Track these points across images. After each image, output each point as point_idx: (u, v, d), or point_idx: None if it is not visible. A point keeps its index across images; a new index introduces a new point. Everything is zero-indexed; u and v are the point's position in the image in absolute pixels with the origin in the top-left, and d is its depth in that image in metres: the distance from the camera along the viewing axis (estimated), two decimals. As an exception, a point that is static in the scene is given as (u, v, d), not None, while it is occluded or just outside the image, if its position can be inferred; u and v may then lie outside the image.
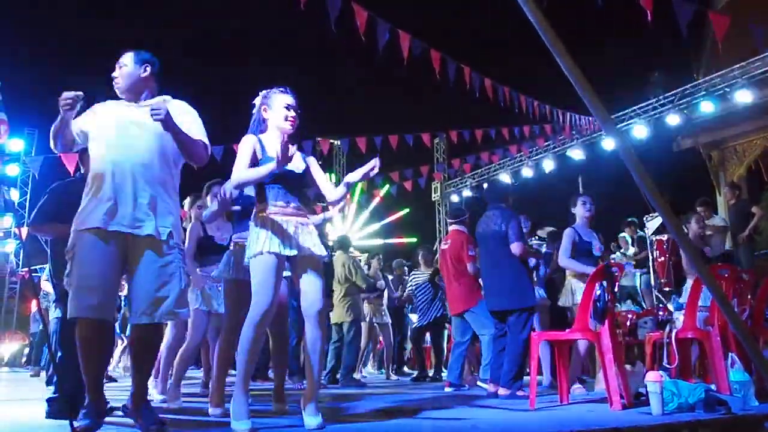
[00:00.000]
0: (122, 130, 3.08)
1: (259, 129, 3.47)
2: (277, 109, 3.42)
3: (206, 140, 3.27)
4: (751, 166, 14.29)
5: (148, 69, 3.25)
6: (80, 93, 3.03)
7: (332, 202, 3.57)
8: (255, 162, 3.33)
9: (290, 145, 3.44)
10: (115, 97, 3.27)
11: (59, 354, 3.88)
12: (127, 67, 3.23)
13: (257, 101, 3.52)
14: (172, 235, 3.08)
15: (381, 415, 3.87)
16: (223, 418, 3.74)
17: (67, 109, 3.00)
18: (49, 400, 3.74)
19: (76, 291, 2.89)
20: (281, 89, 3.48)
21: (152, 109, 2.98)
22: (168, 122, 3.01)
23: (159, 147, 3.11)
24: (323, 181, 3.55)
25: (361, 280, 7.62)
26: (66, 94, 2.99)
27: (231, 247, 4.41)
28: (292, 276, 3.42)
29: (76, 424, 2.78)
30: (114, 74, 3.24)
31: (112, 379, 6.44)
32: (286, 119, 3.41)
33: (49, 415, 3.65)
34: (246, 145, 3.33)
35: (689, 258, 2.73)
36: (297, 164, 3.39)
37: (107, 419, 3.06)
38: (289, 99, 3.44)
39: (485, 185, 16.47)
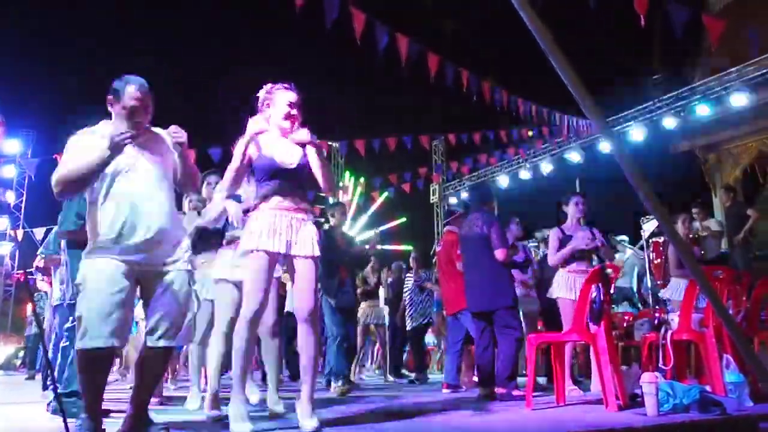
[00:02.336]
0: (127, 174, 3.00)
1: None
2: (279, 106, 3.40)
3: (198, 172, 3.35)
4: (746, 168, 14.33)
5: None
6: (131, 133, 2.92)
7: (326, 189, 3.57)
8: (251, 161, 3.35)
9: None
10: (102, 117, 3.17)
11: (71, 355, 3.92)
12: (150, 107, 3.11)
13: (261, 94, 3.49)
14: (190, 262, 3.12)
15: (377, 416, 3.88)
16: (220, 421, 3.75)
17: (122, 149, 2.89)
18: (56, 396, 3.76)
19: (91, 321, 2.81)
20: (285, 86, 3.45)
21: (175, 132, 3.04)
22: (185, 147, 3.09)
23: (164, 177, 3.09)
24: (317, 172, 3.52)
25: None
26: (122, 137, 2.86)
27: (224, 244, 4.38)
28: (290, 274, 3.42)
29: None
30: (136, 119, 3.04)
31: None
32: (286, 118, 3.39)
33: (56, 411, 3.68)
34: (238, 148, 3.32)
35: (684, 260, 2.75)
36: (292, 158, 3.35)
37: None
38: (291, 96, 3.42)
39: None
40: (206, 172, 4.99)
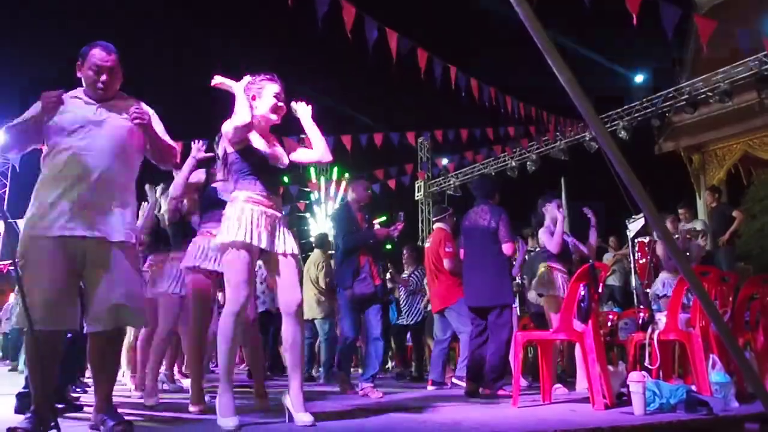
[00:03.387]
0: (87, 133, 2.93)
1: None
2: (265, 98, 3.37)
3: (175, 144, 3.26)
4: (730, 169, 14.49)
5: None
6: (62, 91, 2.91)
7: (323, 159, 3.60)
8: (233, 152, 3.31)
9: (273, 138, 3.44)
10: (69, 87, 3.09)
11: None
12: (116, 70, 3.05)
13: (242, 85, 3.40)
14: (135, 239, 3.04)
15: (364, 412, 3.86)
16: (205, 415, 3.72)
17: (51, 107, 2.86)
18: (19, 395, 3.68)
19: (32, 302, 2.69)
20: (269, 77, 3.42)
21: (136, 113, 2.94)
22: (149, 128, 3.01)
23: (122, 150, 3.00)
24: (304, 153, 3.58)
25: (322, 279, 7.63)
26: (50, 94, 2.85)
27: (198, 236, 4.32)
28: (268, 272, 3.40)
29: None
30: (102, 78, 3.00)
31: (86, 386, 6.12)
32: (273, 110, 3.38)
33: (19, 410, 3.60)
34: (243, 102, 3.25)
35: (674, 258, 2.76)
36: (281, 159, 3.38)
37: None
38: (277, 88, 3.40)
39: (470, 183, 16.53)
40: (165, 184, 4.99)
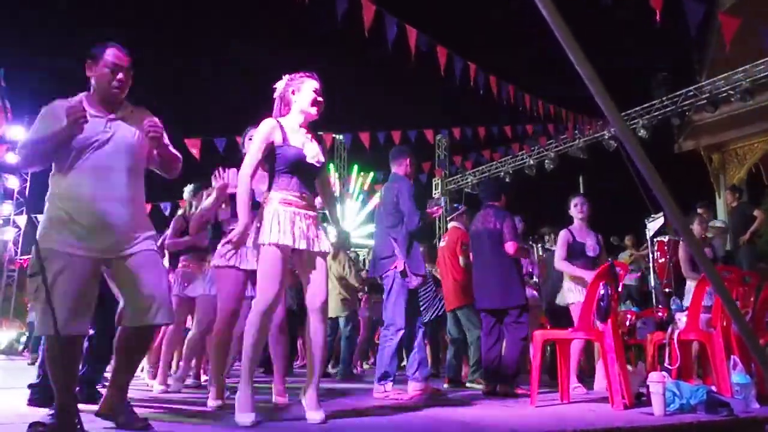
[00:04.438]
0: (99, 150, 2.89)
1: (280, 113, 3.49)
2: (305, 92, 3.44)
3: (179, 155, 3.26)
4: (751, 169, 14.33)
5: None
6: (81, 103, 2.85)
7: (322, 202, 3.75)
8: (272, 149, 3.33)
9: (310, 135, 3.48)
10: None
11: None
12: (130, 72, 3.03)
13: (280, 85, 3.52)
14: (155, 242, 3.06)
15: (381, 409, 3.87)
16: (224, 410, 3.74)
17: (83, 122, 2.78)
18: (31, 386, 3.69)
19: (57, 311, 2.62)
20: (308, 74, 3.50)
21: (150, 127, 2.92)
22: (161, 140, 3.00)
23: (133, 164, 2.99)
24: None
25: (354, 278, 7.62)
26: (76, 109, 2.76)
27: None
28: (297, 268, 3.42)
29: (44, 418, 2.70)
30: (119, 77, 2.97)
31: None
32: (313, 104, 3.43)
33: (32, 402, 3.61)
34: (260, 133, 3.32)
35: (696, 258, 2.72)
36: (317, 157, 3.40)
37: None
38: (316, 84, 3.48)
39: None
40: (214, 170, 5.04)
